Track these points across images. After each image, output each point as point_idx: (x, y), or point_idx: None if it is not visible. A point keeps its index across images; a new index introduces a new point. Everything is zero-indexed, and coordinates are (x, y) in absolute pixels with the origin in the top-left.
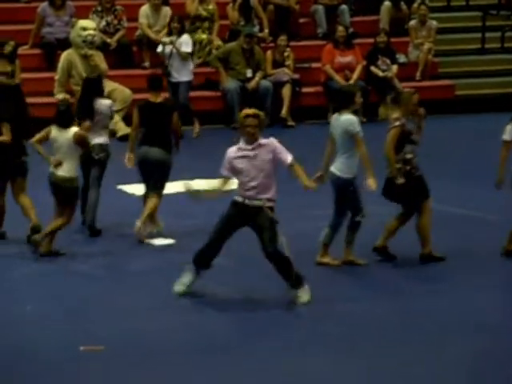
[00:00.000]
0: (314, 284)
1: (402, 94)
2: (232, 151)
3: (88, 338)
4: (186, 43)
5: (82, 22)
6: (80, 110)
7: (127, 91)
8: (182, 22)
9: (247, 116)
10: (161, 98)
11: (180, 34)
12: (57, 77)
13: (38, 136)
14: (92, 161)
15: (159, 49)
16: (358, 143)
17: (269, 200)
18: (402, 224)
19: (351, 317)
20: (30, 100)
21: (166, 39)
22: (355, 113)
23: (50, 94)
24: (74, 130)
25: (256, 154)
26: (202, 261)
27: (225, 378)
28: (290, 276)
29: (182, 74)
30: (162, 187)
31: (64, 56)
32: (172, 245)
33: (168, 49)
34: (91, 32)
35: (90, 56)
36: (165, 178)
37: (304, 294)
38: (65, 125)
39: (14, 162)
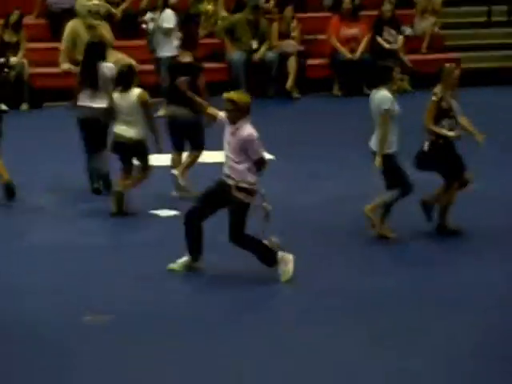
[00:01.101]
0: (327, 256)
1: (444, 68)
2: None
3: (93, 308)
4: (167, 19)
5: None
6: (84, 74)
7: (132, 63)
8: None
9: (225, 100)
10: (190, 57)
11: (164, 8)
12: (62, 47)
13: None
14: (96, 124)
15: (144, 26)
16: (382, 120)
17: (240, 182)
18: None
19: (360, 289)
20: (35, 70)
21: (148, 16)
22: (393, 90)
23: (56, 63)
24: (137, 91)
25: (232, 137)
26: (190, 243)
27: (228, 347)
28: (261, 257)
29: (165, 49)
30: (201, 146)
31: (69, 26)
32: (177, 216)
33: (151, 25)
34: (96, 2)
35: (95, 27)
36: (200, 136)
37: (284, 272)
38: (126, 87)
39: None
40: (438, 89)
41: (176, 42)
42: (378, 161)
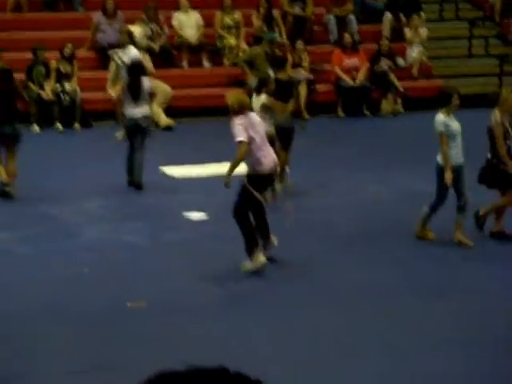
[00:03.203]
0: (328, 252)
1: (501, 93)
2: None
3: (133, 295)
4: (127, 54)
5: (130, 27)
6: (132, 89)
7: (168, 88)
8: (131, 35)
9: None
10: (287, 75)
11: (128, 45)
12: (109, 75)
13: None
14: (138, 129)
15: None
16: (440, 140)
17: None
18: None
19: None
20: (86, 95)
21: (111, 52)
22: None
23: (103, 89)
24: (262, 100)
25: None
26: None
27: (243, 327)
28: (244, 239)
29: None
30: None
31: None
32: (205, 218)
33: (118, 60)
34: (138, 36)
35: None
36: (290, 138)
37: (247, 264)
38: (258, 93)
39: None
40: (497, 112)
41: None
42: (447, 177)
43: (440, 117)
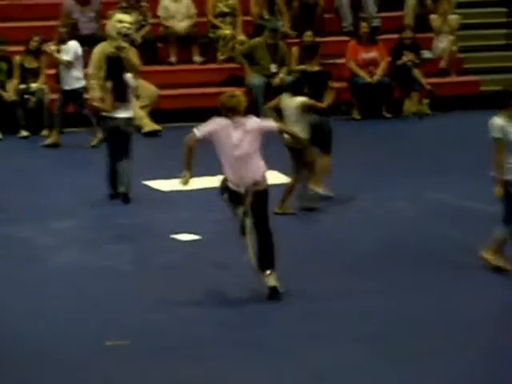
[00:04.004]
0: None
1: None
2: None
3: (114, 331)
4: (66, 51)
5: (119, 15)
6: (116, 88)
7: (152, 88)
8: (75, 27)
9: None
10: (318, 66)
11: (68, 40)
12: (90, 71)
13: (271, 103)
14: (120, 134)
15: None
16: (494, 147)
17: None
18: None
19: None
20: (55, 96)
21: (50, 47)
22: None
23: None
24: (301, 99)
25: None
26: None
27: (245, 370)
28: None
29: (66, 81)
30: (329, 148)
31: (97, 49)
32: (196, 240)
33: (61, 58)
34: (126, 25)
35: (123, 48)
36: (329, 139)
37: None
38: (294, 93)
39: None
40: None
41: (77, 74)
42: (496, 190)
43: (497, 121)
